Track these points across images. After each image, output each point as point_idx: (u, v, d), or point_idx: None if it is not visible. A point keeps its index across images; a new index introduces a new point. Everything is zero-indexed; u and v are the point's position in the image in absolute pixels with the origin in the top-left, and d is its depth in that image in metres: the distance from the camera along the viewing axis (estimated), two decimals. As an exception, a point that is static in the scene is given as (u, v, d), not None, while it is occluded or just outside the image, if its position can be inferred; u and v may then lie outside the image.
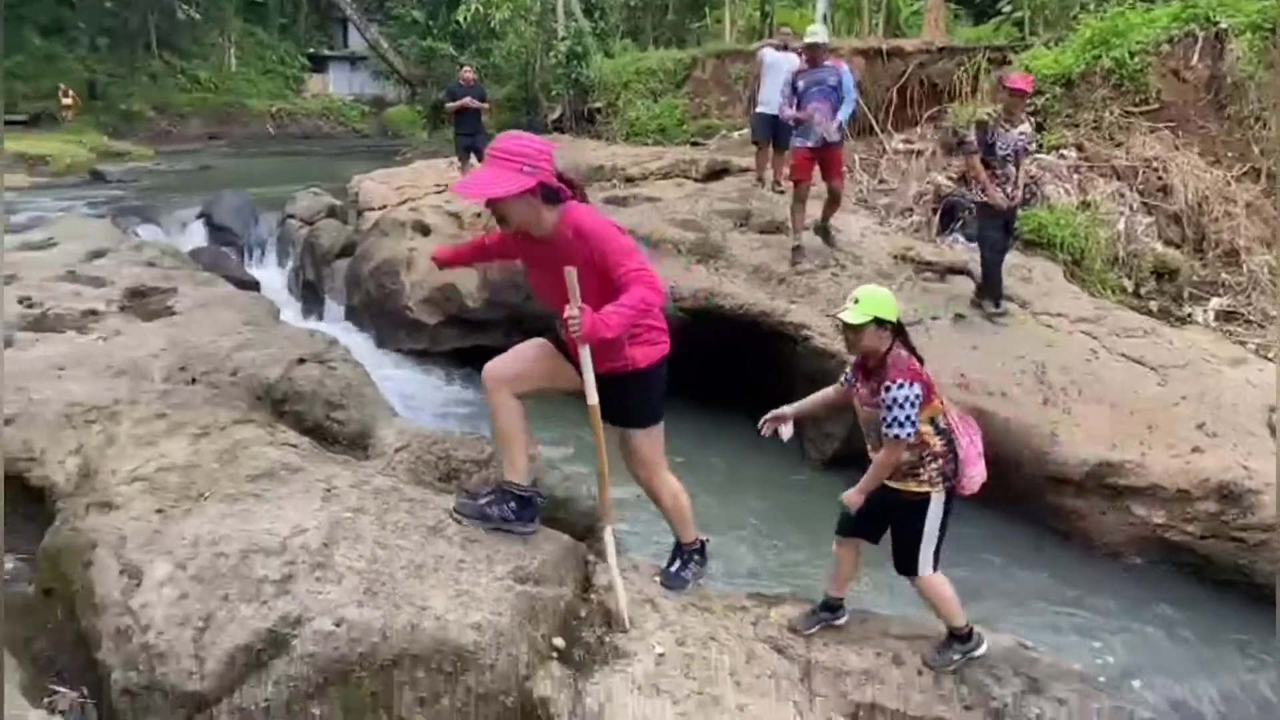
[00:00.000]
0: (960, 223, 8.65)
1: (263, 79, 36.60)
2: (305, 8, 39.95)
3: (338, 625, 2.42)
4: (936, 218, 8.88)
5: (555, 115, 18.11)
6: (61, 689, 2.49)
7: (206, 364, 4.27)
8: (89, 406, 3.65)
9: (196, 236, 12.17)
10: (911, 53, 12.35)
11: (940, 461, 3.35)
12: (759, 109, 9.41)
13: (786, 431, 3.60)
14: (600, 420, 2.95)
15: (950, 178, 9.33)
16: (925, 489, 3.35)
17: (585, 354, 2.85)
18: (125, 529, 2.67)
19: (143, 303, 5.64)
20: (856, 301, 3.33)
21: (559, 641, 2.77)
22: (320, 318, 10.21)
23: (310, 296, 10.82)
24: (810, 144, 7.30)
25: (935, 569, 3.43)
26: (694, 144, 13.53)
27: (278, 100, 35.39)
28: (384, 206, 11.06)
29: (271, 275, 11.45)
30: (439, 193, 11.24)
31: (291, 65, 38.15)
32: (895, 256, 7.92)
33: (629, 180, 10.79)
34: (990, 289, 6.96)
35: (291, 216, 12.07)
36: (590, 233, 2.85)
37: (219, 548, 2.56)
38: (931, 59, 12.10)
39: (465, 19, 21.14)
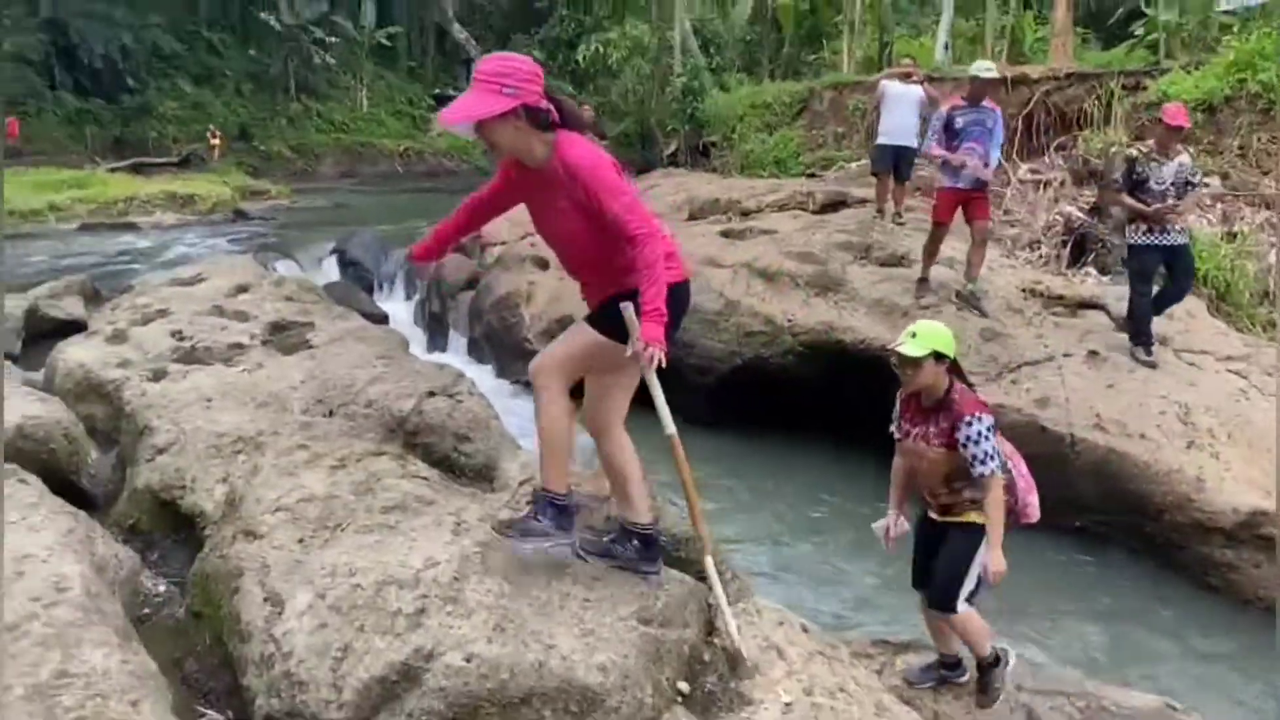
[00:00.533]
0: (1092, 255, 8.32)
1: (392, 119, 38.26)
2: (432, 51, 41.64)
3: (468, 660, 2.45)
4: (1067, 250, 8.57)
5: (670, 150, 18.31)
6: (209, 711, 2.61)
7: (343, 396, 4.44)
8: (236, 437, 3.84)
9: (330, 271, 12.75)
10: (1038, 80, 12.00)
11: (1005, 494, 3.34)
12: (880, 140, 9.29)
13: (903, 527, 3.61)
14: (682, 451, 2.80)
15: (1081, 208, 8.99)
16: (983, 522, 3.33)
17: (654, 380, 2.68)
18: (269, 558, 2.79)
19: (283, 336, 5.91)
20: (914, 335, 3.24)
21: (683, 686, 2.75)
22: (444, 349, 10.53)
23: (435, 329, 11.17)
24: (960, 185, 7.06)
25: (970, 602, 3.42)
26: (810, 176, 13.45)
27: (405, 139, 36.90)
28: (505, 242, 11.35)
29: (399, 308, 11.88)
30: (558, 227, 11.49)
31: (419, 106, 39.76)
32: (1023, 290, 7.66)
33: (745, 213, 10.79)
34: (1137, 333, 6.55)
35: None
36: (579, 168, 2.59)
37: (356, 579, 2.65)
38: (1059, 86, 11.73)
39: (584, 59, 21.63)
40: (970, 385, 3.34)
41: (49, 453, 3.99)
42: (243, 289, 7.44)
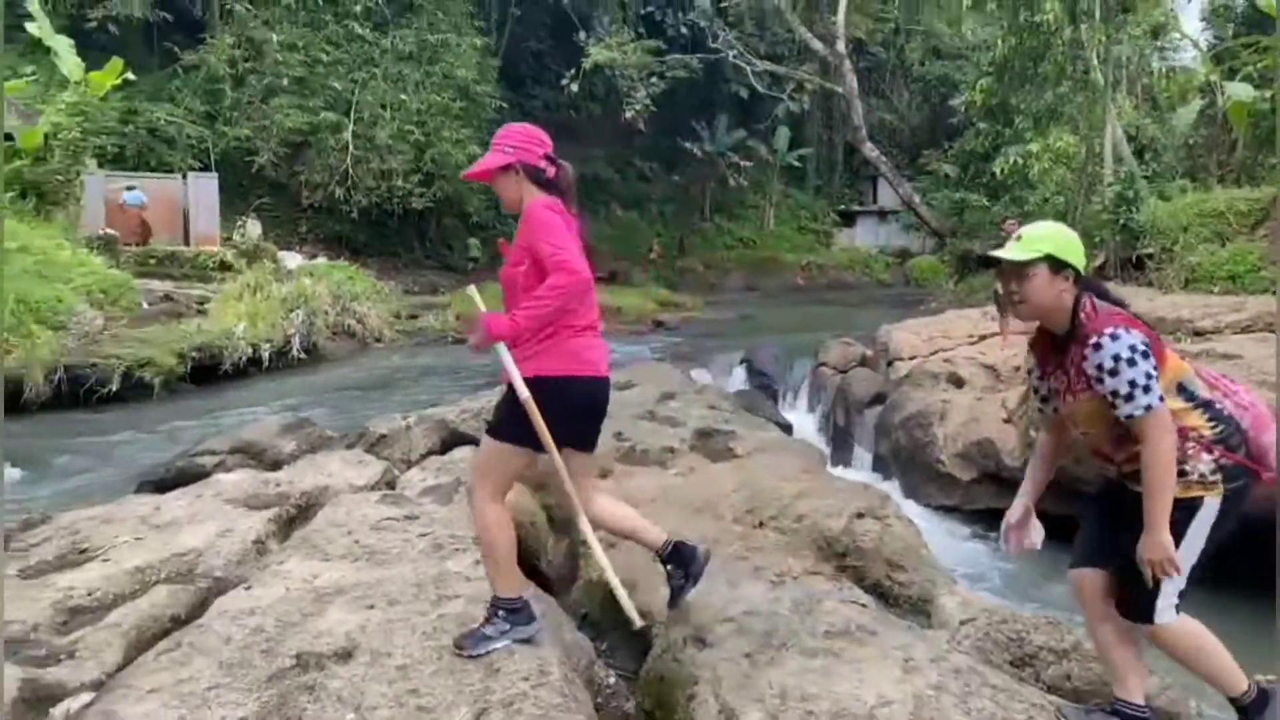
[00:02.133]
0: None
1: (796, 235, 39.71)
2: (839, 168, 42.82)
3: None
4: None
5: (1099, 262, 16.93)
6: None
7: (772, 508, 4.51)
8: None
9: (738, 380, 13.30)
10: None
11: (1213, 452, 2.36)
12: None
13: (1036, 538, 2.75)
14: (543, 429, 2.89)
15: None
16: (1196, 493, 2.36)
17: (503, 353, 2.87)
18: (720, 670, 2.84)
19: (708, 443, 6.21)
20: (1019, 239, 2.50)
21: None
22: (849, 464, 10.43)
23: (840, 443, 11.12)
24: None
25: (1179, 613, 2.46)
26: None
27: (808, 254, 38.04)
28: (914, 357, 11.11)
29: (803, 420, 12.03)
30: (972, 344, 11.03)
31: (823, 221, 40.93)
32: None
33: (1197, 334, 9.60)
34: None
35: (824, 364, 12.67)
36: (528, 215, 2.90)
37: (808, 705, 2.60)
38: None
39: (1001, 170, 20.95)
40: (1122, 303, 2.47)
41: (518, 537, 4.46)
42: (669, 396, 7.97)
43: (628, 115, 30.03)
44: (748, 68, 30.67)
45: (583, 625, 3.88)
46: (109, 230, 19.44)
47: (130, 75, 18.85)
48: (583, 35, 30.04)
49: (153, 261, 19.13)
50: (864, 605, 3.40)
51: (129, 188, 20.72)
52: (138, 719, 2.50)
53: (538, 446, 2.97)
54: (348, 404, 11.44)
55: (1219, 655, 2.47)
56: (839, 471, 8.45)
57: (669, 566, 3.23)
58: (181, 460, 7.12)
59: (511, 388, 2.92)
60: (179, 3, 26.66)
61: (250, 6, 26.58)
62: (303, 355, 14.44)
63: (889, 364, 11.63)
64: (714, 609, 3.21)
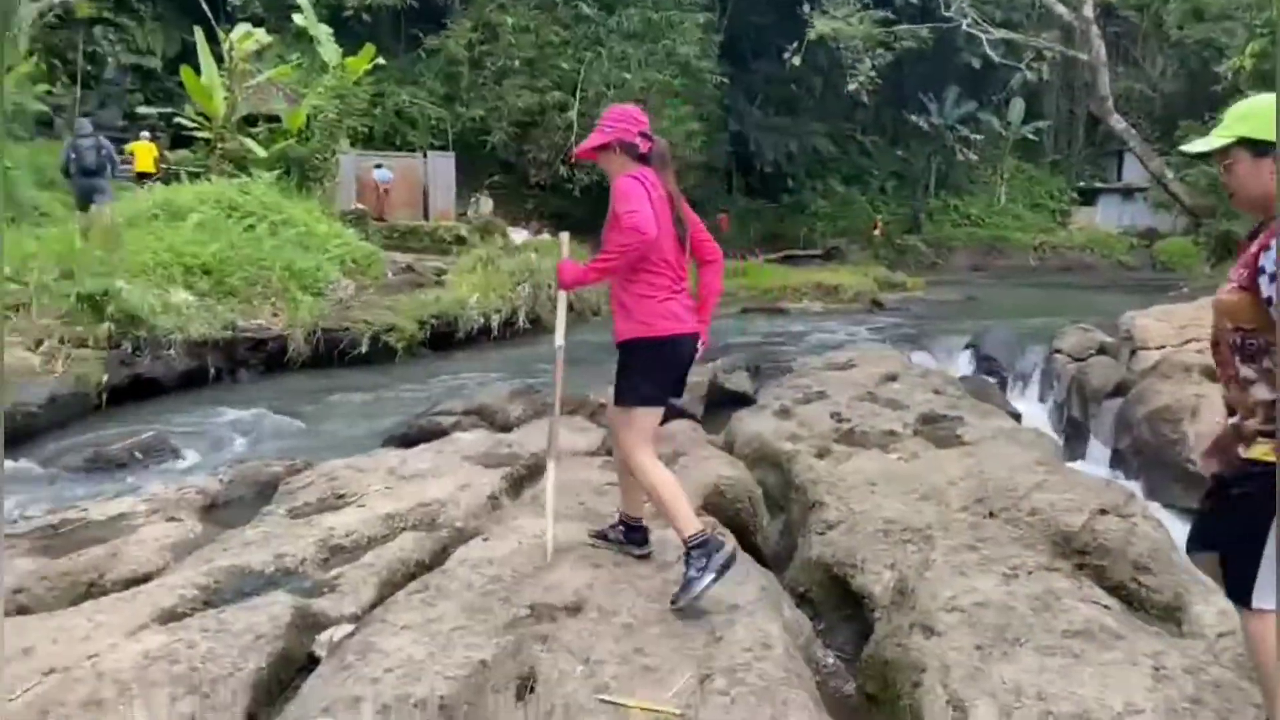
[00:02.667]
0: None
1: (1029, 213, 37.40)
2: (1080, 142, 39.87)
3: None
4: None
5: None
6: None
7: (1003, 499, 4.30)
8: (904, 526, 3.93)
9: (963, 365, 12.71)
10: None
11: None
12: None
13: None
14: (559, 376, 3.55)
15: None
16: None
17: (560, 301, 3.49)
18: (948, 659, 2.75)
19: (933, 428, 5.98)
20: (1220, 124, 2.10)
21: None
22: (1083, 458, 9.75)
23: (1074, 435, 10.40)
24: None
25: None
26: None
27: (1042, 233, 35.75)
28: (1163, 346, 10.20)
29: (1033, 409, 11.34)
30: (1235, 335, 10.01)
31: (1060, 199, 38.31)
32: None
33: None
34: None
35: (1059, 351, 11.87)
36: (615, 185, 3.22)
37: (1046, 705, 2.47)
38: None
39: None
40: None
41: (736, 511, 4.49)
42: (891, 378, 7.74)
43: (850, 88, 29.23)
44: (982, 36, 29.01)
45: (801, 604, 3.86)
46: (359, 205, 21.13)
47: (380, 60, 20.27)
48: (807, 8, 29.42)
49: (396, 235, 20.61)
50: (1107, 606, 3.18)
51: (378, 165, 22.38)
52: (393, 651, 2.72)
53: (659, 401, 3.32)
54: (567, 373, 11.87)
55: None
56: (1074, 466, 7.93)
57: (692, 555, 3.10)
58: (423, 419, 7.66)
59: (623, 351, 3.29)
60: (424, -10, 28.39)
61: (489, -9, 27.92)
62: (527, 325, 15.09)
63: (1132, 353, 10.74)
64: (941, 598, 3.10)
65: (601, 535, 3.63)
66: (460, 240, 20.75)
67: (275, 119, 20.16)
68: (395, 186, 22.52)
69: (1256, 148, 2.07)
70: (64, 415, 8.12)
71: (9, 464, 6.97)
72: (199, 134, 18.98)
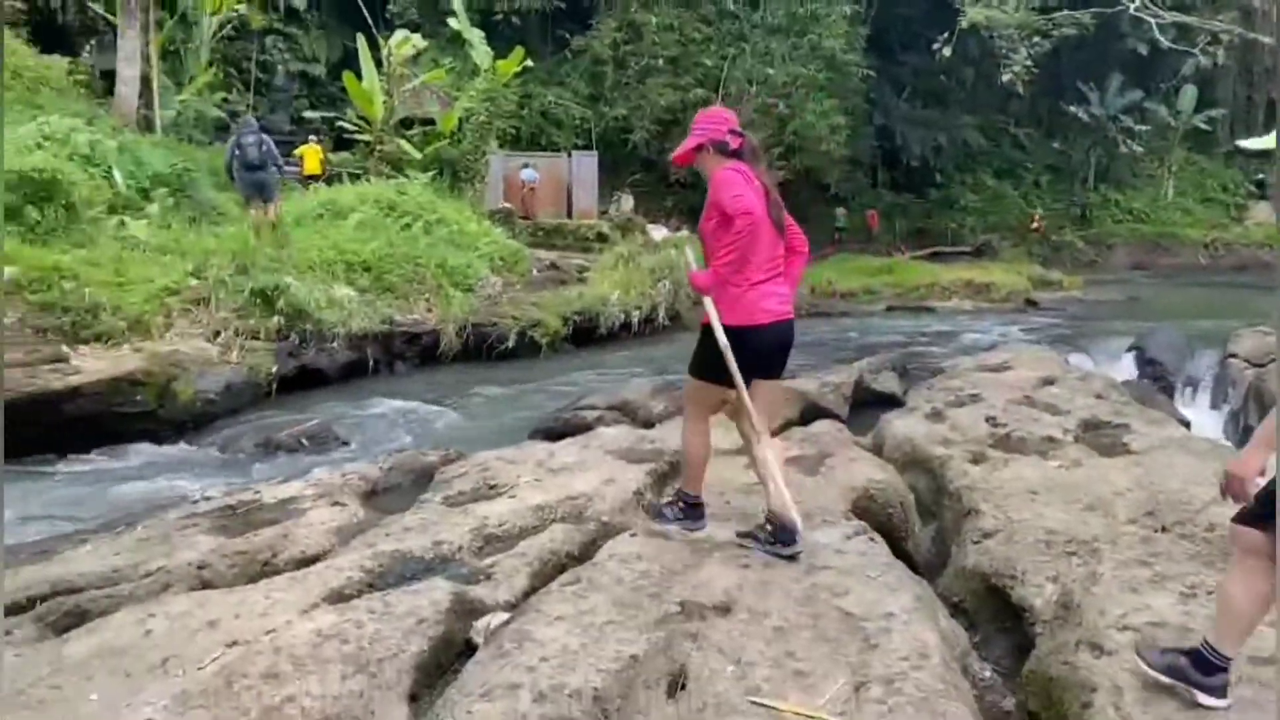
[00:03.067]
0: None
1: (1200, 207, 35.04)
2: (1259, 131, 37.00)
3: None
4: None
5: None
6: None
7: (1176, 513, 4.04)
8: (1067, 537, 3.75)
9: (1126, 368, 12.02)
10: None
11: None
12: None
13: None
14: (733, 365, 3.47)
15: None
16: None
17: (711, 309, 3.51)
18: (1120, 680, 2.61)
19: (1096, 435, 5.68)
20: None
21: None
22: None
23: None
24: None
25: None
26: None
27: (1214, 229, 33.42)
28: (1358, 352, 9.36)
29: (1203, 417, 10.61)
30: None
31: (1235, 193, 35.71)
32: None
33: None
34: None
35: (1234, 355, 11.06)
36: (713, 178, 3.51)
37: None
38: None
39: None
40: None
41: (887, 516, 4.39)
42: (1049, 381, 7.39)
43: (1004, 78, 28.00)
44: (1151, 20, 27.31)
45: (955, 613, 3.74)
46: (506, 204, 21.73)
47: (528, 62, 20.78)
48: (958, -4, 28.41)
49: (541, 233, 21.10)
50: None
51: (525, 165, 22.96)
52: (548, 641, 2.79)
53: (726, 382, 3.55)
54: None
55: None
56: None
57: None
58: (567, 413, 7.82)
59: (705, 332, 3.57)
60: (570, -9, 28.94)
61: (633, -10, 28.21)
62: (667, 322, 15.17)
63: (1320, 358, 9.92)
64: (1111, 615, 2.94)
65: (750, 535, 3.68)
66: (602, 238, 21.05)
67: (429, 121, 20.97)
68: (540, 185, 23.04)
69: None
70: (238, 402, 8.69)
71: (191, 447, 7.52)
72: (359, 136, 19.95)
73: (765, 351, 3.59)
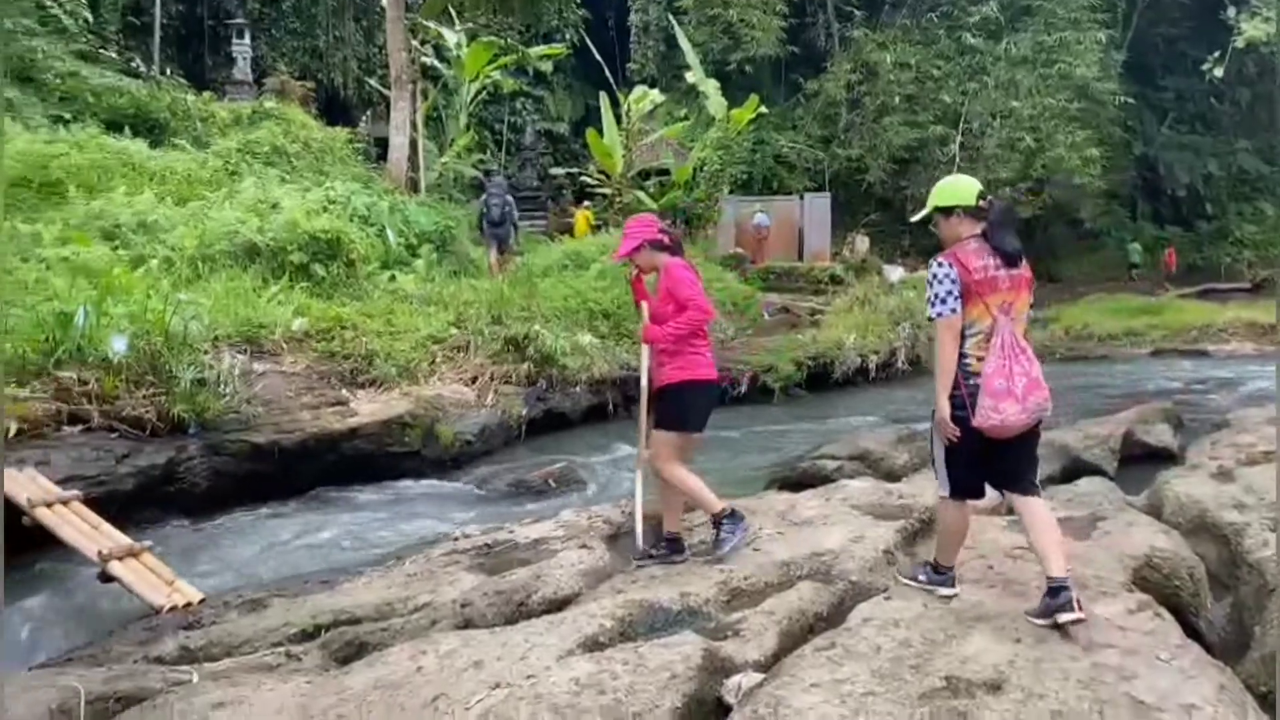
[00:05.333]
0: None
1: None
2: None
3: None
4: None
5: None
6: None
7: None
8: None
9: None
10: None
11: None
12: None
13: None
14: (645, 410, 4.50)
15: None
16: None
17: (644, 351, 4.52)
18: None
19: None
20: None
21: None
22: None
23: None
24: None
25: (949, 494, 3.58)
26: None
27: None
28: None
29: None
30: None
31: None
32: None
33: None
34: None
35: None
36: (668, 270, 4.42)
37: None
38: None
39: None
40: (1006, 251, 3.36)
41: (1174, 589, 3.96)
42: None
43: (1290, 97, 25.26)
44: None
45: (1263, 706, 3.28)
46: (738, 249, 21.91)
47: (762, 109, 20.97)
48: (1231, 12, 25.97)
49: (772, 276, 21.07)
50: None
51: (760, 210, 23.11)
52: (805, 710, 2.69)
53: (687, 428, 4.42)
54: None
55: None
56: None
57: (723, 524, 4.35)
58: (805, 462, 7.68)
59: (671, 391, 4.38)
60: (804, 37, 29.01)
61: (869, 32, 27.88)
62: (906, 367, 14.66)
63: None
64: None
65: (647, 555, 4.51)
66: (835, 280, 20.73)
67: (664, 172, 21.58)
68: (772, 229, 23.08)
69: (946, 213, 3.56)
70: (491, 444, 9.19)
71: (449, 485, 8.01)
72: (599, 189, 20.86)
73: (708, 405, 4.48)
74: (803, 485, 6.56)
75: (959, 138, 26.43)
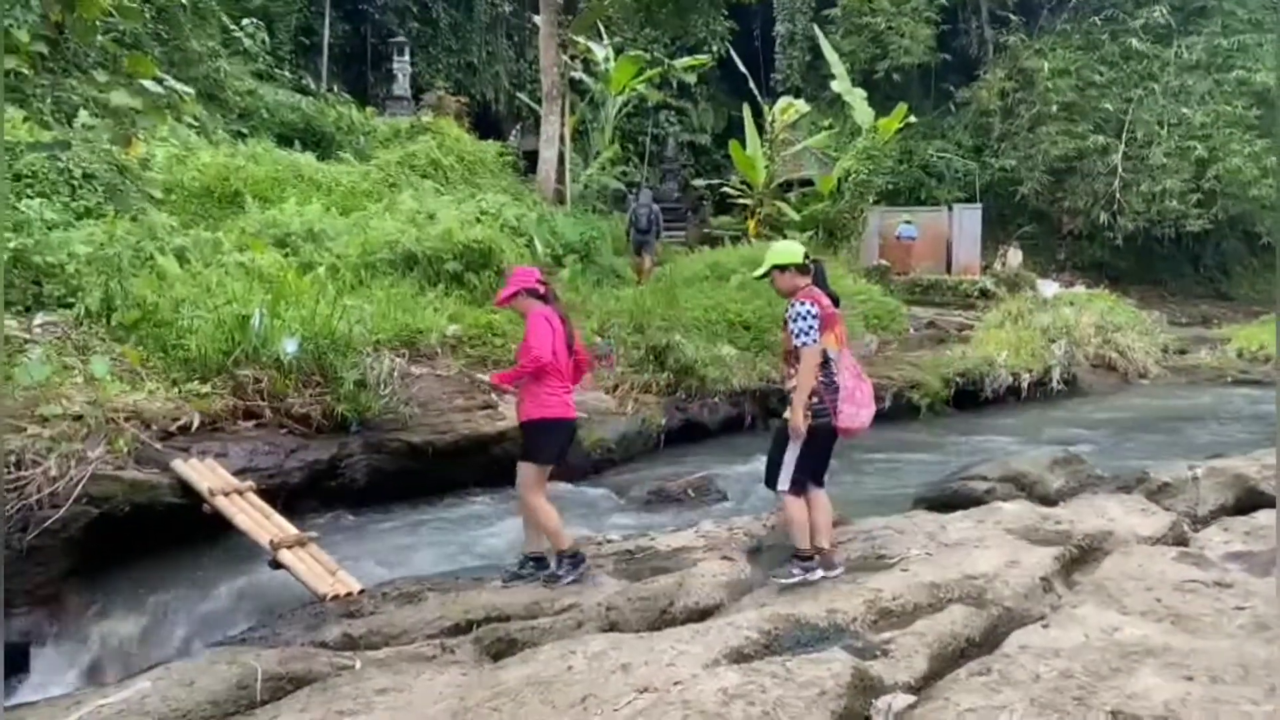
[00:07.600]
0: None
1: None
2: None
3: None
4: None
5: None
6: None
7: None
8: None
9: None
10: None
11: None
12: None
13: None
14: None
15: None
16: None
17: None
18: None
19: None
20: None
21: None
22: None
23: None
24: None
25: (791, 490, 4.44)
26: None
27: None
28: None
29: None
30: None
31: None
32: None
33: None
34: None
35: None
36: (528, 318, 4.97)
37: None
38: None
39: None
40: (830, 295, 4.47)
41: None
42: None
43: None
44: None
45: None
46: (882, 261, 21.45)
47: (910, 118, 20.49)
48: None
49: (918, 289, 20.53)
50: None
51: (906, 221, 22.56)
52: (963, 735, 2.63)
53: (539, 461, 4.98)
54: (1112, 442, 10.76)
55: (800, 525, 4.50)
56: None
57: (565, 562, 4.93)
58: (954, 482, 7.44)
59: (530, 428, 4.98)
60: (955, 44, 28.19)
61: (1025, 38, 26.88)
62: (1061, 386, 14.01)
63: None
64: None
65: (516, 576, 4.97)
66: (985, 294, 20.03)
67: (808, 183, 21.35)
68: (919, 241, 22.49)
69: (781, 269, 4.59)
70: (630, 452, 9.31)
71: (594, 490, 8.16)
72: (740, 200, 20.83)
73: (557, 442, 5.03)
74: (952, 506, 6.36)
75: (1122, 147, 25.09)
